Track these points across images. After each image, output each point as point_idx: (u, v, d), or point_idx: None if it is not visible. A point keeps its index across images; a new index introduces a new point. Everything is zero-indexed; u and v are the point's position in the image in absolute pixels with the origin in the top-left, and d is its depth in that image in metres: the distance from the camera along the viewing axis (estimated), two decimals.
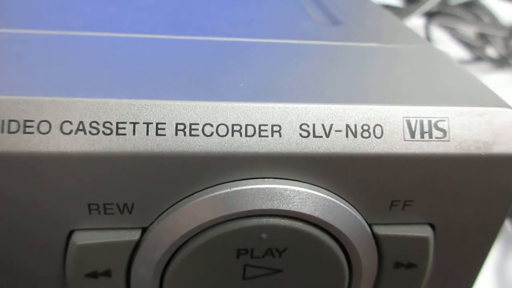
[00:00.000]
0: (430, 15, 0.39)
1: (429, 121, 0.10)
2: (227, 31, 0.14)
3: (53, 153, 0.09)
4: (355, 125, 0.10)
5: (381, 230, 0.11)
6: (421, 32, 0.41)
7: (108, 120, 0.09)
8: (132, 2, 0.16)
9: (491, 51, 0.41)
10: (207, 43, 0.13)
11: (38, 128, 0.09)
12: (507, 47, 0.40)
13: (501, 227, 0.11)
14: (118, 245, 0.10)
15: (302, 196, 0.10)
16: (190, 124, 0.10)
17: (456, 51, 0.42)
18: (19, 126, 0.09)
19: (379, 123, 0.10)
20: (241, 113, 0.10)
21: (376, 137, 0.10)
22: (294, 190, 0.10)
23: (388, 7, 0.39)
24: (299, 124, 0.10)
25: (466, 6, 0.40)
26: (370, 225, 0.11)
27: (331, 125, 0.10)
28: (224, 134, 0.10)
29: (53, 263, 0.10)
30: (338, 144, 0.10)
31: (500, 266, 0.26)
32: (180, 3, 0.17)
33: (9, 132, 0.09)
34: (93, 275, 0.10)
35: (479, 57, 0.40)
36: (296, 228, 0.10)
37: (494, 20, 0.40)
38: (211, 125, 0.10)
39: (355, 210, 0.11)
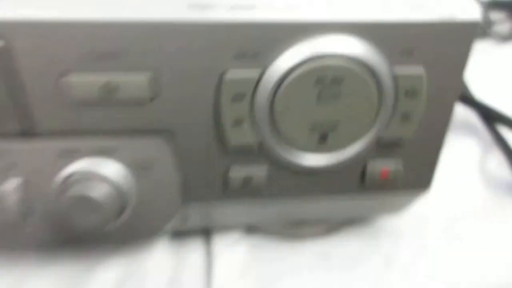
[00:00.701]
0: None
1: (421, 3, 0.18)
2: None
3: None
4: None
5: (396, 69, 0.19)
6: None
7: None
8: None
9: None
10: None
11: None
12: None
13: (463, 72, 0.19)
14: (249, 79, 0.18)
15: (354, 44, 0.18)
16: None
17: None
18: None
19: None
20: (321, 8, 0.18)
21: None
22: (350, 40, 0.18)
23: None
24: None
25: None
26: (390, 68, 0.19)
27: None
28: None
29: (209, 93, 0.18)
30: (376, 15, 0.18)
31: (481, 163, 0.34)
32: None
33: None
34: (235, 98, 0.18)
35: None
36: (349, 66, 0.18)
37: None
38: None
39: (383, 55, 0.18)
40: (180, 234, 0.26)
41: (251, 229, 0.27)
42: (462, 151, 0.34)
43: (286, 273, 0.24)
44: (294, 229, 0.27)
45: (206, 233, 0.27)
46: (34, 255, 0.24)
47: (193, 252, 0.25)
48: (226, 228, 0.26)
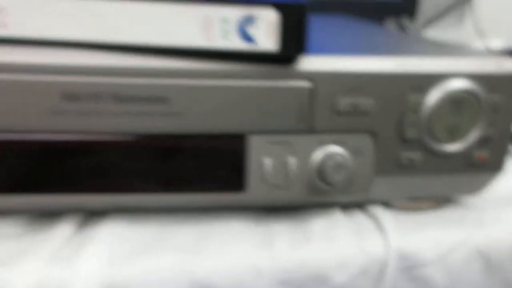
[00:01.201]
0: None
1: None
2: None
3: None
4: None
5: (488, 97, 0.37)
6: None
7: None
8: None
9: None
10: None
11: None
12: None
13: None
14: (419, 102, 0.36)
15: (468, 83, 0.36)
16: None
17: None
18: None
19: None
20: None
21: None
22: (466, 80, 0.36)
23: None
24: None
25: None
26: (486, 95, 0.37)
27: None
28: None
29: (397, 109, 0.36)
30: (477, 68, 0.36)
31: None
32: None
33: None
34: (411, 111, 0.36)
35: None
36: (466, 95, 0.36)
37: None
38: None
39: (483, 89, 0.36)
40: (343, 207, 0.43)
41: (386, 205, 0.43)
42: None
43: (420, 224, 0.41)
44: (415, 204, 0.43)
45: (359, 206, 0.43)
46: (261, 213, 0.40)
47: (357, 215, 0.42)
48: (371, 203, 0.43)
